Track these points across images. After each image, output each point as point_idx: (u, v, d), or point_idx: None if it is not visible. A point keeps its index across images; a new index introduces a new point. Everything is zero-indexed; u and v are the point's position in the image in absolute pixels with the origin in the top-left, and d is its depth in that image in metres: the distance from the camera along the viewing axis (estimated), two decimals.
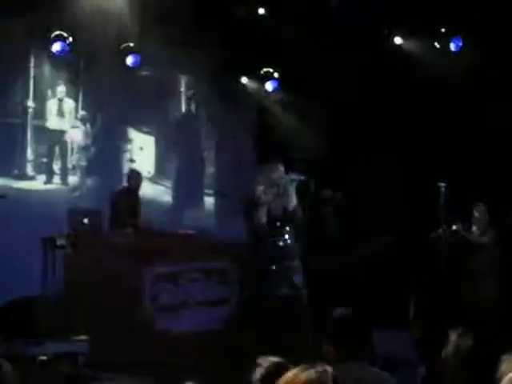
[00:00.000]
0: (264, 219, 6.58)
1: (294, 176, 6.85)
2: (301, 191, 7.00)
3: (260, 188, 6.63)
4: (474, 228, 8.60)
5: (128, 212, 8.06)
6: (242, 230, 7.42)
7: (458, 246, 8.45)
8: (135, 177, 8.57)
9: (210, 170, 10.80)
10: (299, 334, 6.91)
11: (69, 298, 6.81)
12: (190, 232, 7.92)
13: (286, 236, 6.74)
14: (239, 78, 10.58)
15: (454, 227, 8.37)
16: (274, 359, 3.10)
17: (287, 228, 6.74)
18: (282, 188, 6.71)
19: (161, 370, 6.31)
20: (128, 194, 8.39)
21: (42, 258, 7.34)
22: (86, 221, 7.36)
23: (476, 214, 8.59)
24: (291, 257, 6.74)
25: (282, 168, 6.82)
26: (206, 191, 10.67)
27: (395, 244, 8.83)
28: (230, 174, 10.65)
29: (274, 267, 6.67)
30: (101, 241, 7.19)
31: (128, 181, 8.61)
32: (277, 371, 2.90)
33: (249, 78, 10.59)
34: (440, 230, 7.97)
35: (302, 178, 7.00)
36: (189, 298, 7.36)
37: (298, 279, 6.81)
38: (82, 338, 6.29)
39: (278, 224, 6.66)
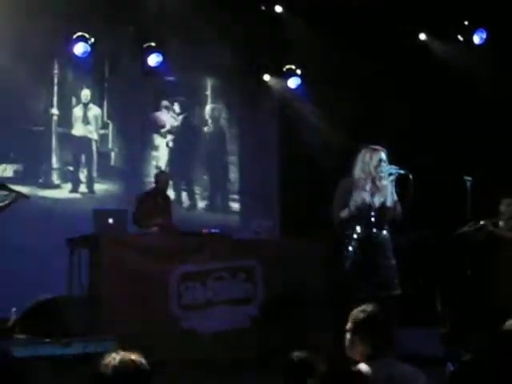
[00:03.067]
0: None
1: None
2: None
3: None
4: (501, 223, 8.52)
5: (155, 212, 8.11)
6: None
7: (485, 242, 8.38)
8: (163, 178, 8.62)
9: (234, 171, 10.79)
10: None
11: (95, 298, 6.83)
12: (214, 231, 7.91)
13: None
14: (262, 76, 10.57)
15: (482, 222, 8.30)
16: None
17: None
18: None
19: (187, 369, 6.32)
20: (155, 194, 8.45)
21: (68, 259, 7.38)
22: (111, 221, 7.37)
23: (502, 208, 8.50)
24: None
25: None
26: (232, 194, 10.67)
27: (430, 238, 8.77)
28: (254, 173, 10.64)
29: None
30: (126, 240, 7.20)
31: (155, 182, 8.64)
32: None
33: (271, 75, 10.57)
34: (467, 226, 7.89)
35: None
36: (215, 296, 7.36)
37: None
38: (110, 337, 6.31)
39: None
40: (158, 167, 10.05)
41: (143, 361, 2.70)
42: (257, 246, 7.77)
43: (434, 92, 9.73)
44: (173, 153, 10.36)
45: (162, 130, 10.27)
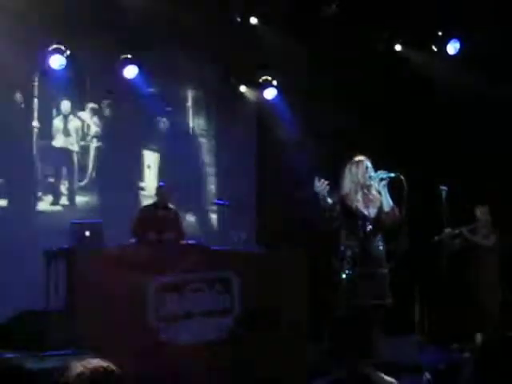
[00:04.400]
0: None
1: None
2: None
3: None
4: (478, 230, 8.58)
5: (153, 225, 8.11)
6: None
7: (461, 249, 8.44)
8: (163, 191, 8.60)
9: (211, 181, 10.79)
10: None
11: (72, 311, 6.79)
12: (191, 242, 7.90)
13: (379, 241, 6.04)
14: (238, 87, 10.59)
15: (457, 231, 8.36)
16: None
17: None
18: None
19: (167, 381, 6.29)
20: (155, 207, 8.46)
21: (44, 271, 7.34)
22: (87, 233, 7.35)
23: (479, 216, 8.57)
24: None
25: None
26: (209, 205, 10.65)
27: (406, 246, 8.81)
28: (231, 184, 10.64)
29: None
30: (102, 253, 7.16)
31: (156, 195, 8.64)
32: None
33: (247, 86, 10.60)
34: (443, 234, 7.95)
35: None
36: (192, 308, 7.34)
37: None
38: (87, 350, 6.26)
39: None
40: (140, 179, 10.02)
41: (112, 365, 2.65)
42: (234, 258, 7.74)
43: (410, 102, 9.81)
44: (156, 165, 10.37)
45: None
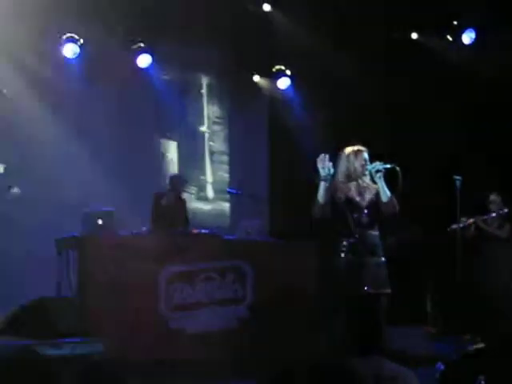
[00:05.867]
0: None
1: None
2: None
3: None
4: (491, 221, 8.53)
5: (166, 214, 8.10)
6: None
7: (474, 239, 8.39)
8: (176, 181, 8.56)
9: (224, 169, 10.77)
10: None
11: (83, 299, 6.80)
12: (203, 231, 7.89)
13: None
14: (251, 76, 10.55)
15: (471, 220, 8.31)
16: None
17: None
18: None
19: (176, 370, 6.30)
20: (168, 197, 8.38)
21: (56, 259, 7.35)
22: (100, 222, 7.34)
23: (493, 206, 8.51)
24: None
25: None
26: (222, 194, 10.63)
27: (420, 237, 8.78)
28: (243, 173, 10.62)
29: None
30: (114, 241, 7.17)
31: (170, 185, 8.56)
32: None
33: (261, 76, 10.55)
34: (456, 224, 7.90)
35: None
36: (204, 297, 7.34)
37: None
38: (98, 338, 6.28)
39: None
40: (154, 166, 10.01)
41: None
42: (246, 247, 7.75)
43: (425, 92, 9.74)
44: (172, 153, 10.37)
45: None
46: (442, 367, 4.95)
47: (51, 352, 5.99)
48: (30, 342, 5.99)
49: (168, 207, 8.19)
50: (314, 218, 5.88)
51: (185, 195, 8.84)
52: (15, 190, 7.11)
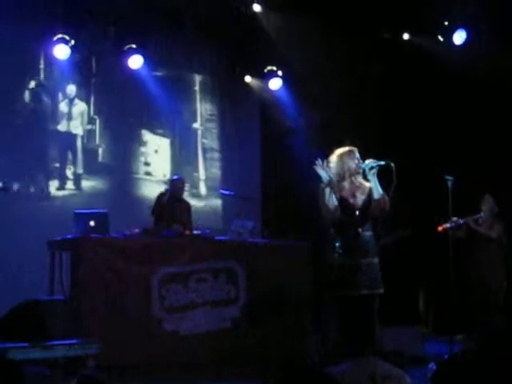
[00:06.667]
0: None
1: None
2: None
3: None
4: (482, 221, 8.56)
5: (167, 216, 8.10)
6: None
7: (466, 239, 8.42)
8: (177, 184, 8.51)
9: (217, 170, 10.78)
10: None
11: (76, 301, 6.79)
12: (196, 232, 7.89)
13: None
14: (243, 76, 10.56)
15: (462, 221, 8.33)
16: None
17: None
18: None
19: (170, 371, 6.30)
20: (169, 199, 8.34)
21: (49, 262, 7.34)
22: (92, 223, 7.33)
23: (484, 207, 8.54)
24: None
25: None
26: (214, 192, 10.64)
27: (411, 237, 8.80)
28: (236, 171, 10.63)
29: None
30: (107, 243, 7.15)
31: (170, 187, 8.50)
32: None
33: (252, 76, 10.56)
34: (448, 224, 7.92)
35: None
36: (197, 298, 7.34)
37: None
38: (91, 340, 6.27)
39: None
40: (146, 163, 10.00)
41: None
42: (239, 248, 7.74)
43: (416, 91, 9.77)
44: (164, 150, 10.38)
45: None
46: (435, 367, 4.98)
47: (43, 355, 5.99)
48: (22, 344, 5.99)
49: (166, 207, 8.19)
50: (323, 221, 5.91)
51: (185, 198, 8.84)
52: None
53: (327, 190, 5.76)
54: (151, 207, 8.33)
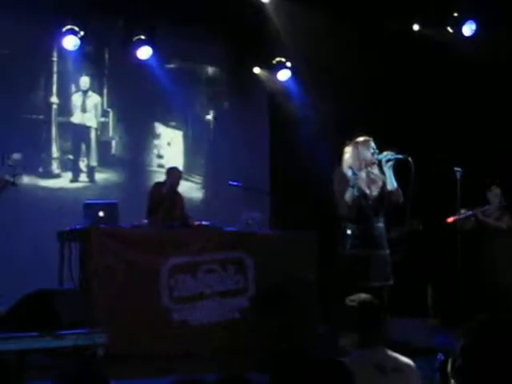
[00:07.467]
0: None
1: None
2: None
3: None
4: (491, 212, 8.55)
5: (163, 206, 8.10)
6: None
7: (474, 231, 8.41)
8: (174, 174, 8.45)
9: (227, 161, 10.78)
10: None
11: (86, 291, 6.82)
12: (204, 223, 7.90)
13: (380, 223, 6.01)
14: (251, 68, 10.55)
15: (470, 212, 8.32)
16: None
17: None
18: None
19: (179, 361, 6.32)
20: (166, 189, 8.31)
21: (58, 252, 7.37)
22: (101, 214, 7.35)
23: (492, 198, 8.53)
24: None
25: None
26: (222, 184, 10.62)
27: (420, 230, 8.80)
28: (245, 163, 10.63)
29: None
30: (116, 233, 7.18)
31: (167, 177, 8.46)
32: None
33: (261, 67, 10.55)
34: (457, 215, 7.91)
35: None
36: (205, 288, 7.36)
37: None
38: (100, 330, 6.30)
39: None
40: (159, 156, 10.01)
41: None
42: (247, 239, 7.76)
43: (425, 82, 9.74)
44: (177, 143, 10.41)
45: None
46: (443, 358, 4.98)
47: (53, 344, 6.03)
48: (32, 333, 6.02)
49: (166, 197, 8.17)
50: (339, 215, 5.92)
51: (186, 187, 8.83)
52: (16, 156, 7.04)
53: (350, 190, 5.76)
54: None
